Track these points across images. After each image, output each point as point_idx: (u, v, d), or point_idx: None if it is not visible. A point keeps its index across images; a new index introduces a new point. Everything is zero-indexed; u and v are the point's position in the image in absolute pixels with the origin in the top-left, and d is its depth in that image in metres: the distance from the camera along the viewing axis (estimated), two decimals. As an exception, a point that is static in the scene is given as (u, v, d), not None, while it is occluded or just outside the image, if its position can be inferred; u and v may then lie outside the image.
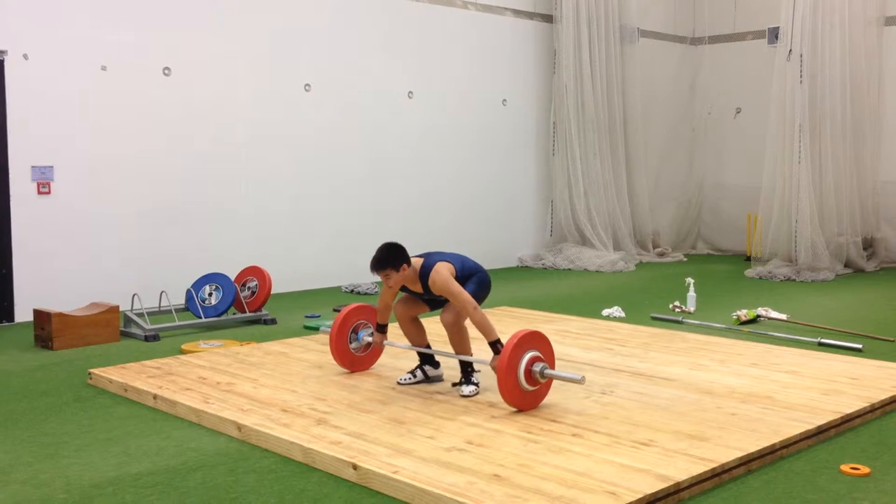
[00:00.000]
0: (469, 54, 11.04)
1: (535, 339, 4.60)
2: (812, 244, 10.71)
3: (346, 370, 5.48)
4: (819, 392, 4.95)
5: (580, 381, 4.53)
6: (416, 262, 4.95)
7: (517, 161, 11.76)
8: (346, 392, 5.00)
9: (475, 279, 5.00)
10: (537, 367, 4.53)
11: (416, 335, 5.22)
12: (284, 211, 9.38)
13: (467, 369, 5.00)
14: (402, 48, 10.32)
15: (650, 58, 12.99)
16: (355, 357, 5.47)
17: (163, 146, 8.45)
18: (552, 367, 4.65)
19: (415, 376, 5.19)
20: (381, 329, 5.33)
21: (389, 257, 4.84)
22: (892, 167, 11.83)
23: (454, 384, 5.05)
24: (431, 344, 5.35)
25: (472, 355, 5.00)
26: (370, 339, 5.40)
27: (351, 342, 5.42)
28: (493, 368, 4.61)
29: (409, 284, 4.98)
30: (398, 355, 5.85)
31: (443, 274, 4.83)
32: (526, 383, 4.53)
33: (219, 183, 8.85)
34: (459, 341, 4.97)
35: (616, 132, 12.24)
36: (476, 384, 4.96)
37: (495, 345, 4.69)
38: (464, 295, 4.78)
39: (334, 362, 5.50)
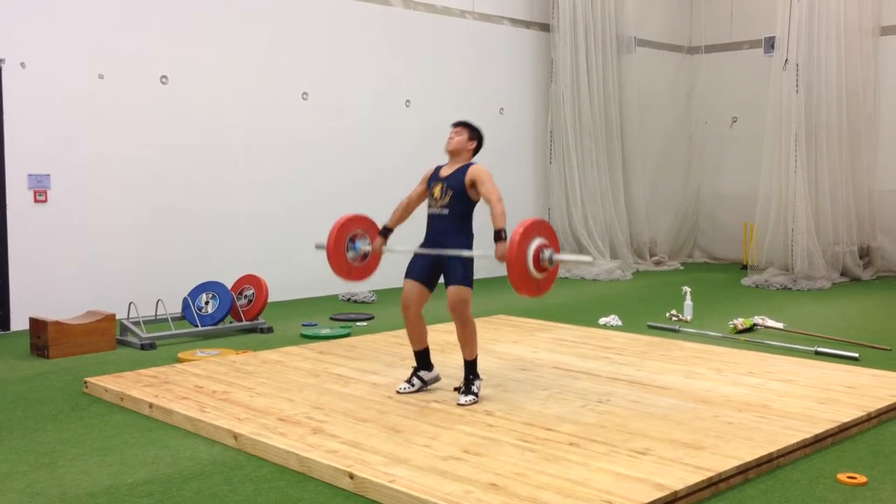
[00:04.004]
0: (466, 63, 11.06)
1: (541, 228, 4.70)
2: (808, 253, 10.73)
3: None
4: (816, 401, 4.95)
5: (590, 263, 4.61)
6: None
7: (514, 169, 11.75)
8: (343, 401, 5.00)
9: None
10: (546, 254, 4.60)
11: (419, 335, 5.16)
12: (281, 219, 9.37)
13: (469, 377, 5.00)
14: (400, 57, 10.34)
15: (647, 67, 13.01)
16: (353, 267, 5.41)
17: (160, 154, 8.45)
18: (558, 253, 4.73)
19: (412, 385, 5.18)
20: (385, 233, 5.31)
21: (476, 128, 5.21)
22: (888, 176, 11.86)
23: (455, 388, 5.05)
24: (430, 352, 5.31)
25: (476, 353, 4.99)
26: (367, 248, 5.38)
27: (348, 251, 5.39)
28: (501, 258, 4.67)
29: (449, 166, 5.19)
30: (395, 365, 5.84)
31: (486, 170, 5.00)
32: (535, 271, 4.57)
33: (216, 191, 8.85)
34: (465, 337, 4.95)
35: (613, 141, 12.25)
36: (475, 394, 4.95)
37: (500, 233, 4.80)
38: (495, 188, 4.96)
39: (330, 371, 5.50)
